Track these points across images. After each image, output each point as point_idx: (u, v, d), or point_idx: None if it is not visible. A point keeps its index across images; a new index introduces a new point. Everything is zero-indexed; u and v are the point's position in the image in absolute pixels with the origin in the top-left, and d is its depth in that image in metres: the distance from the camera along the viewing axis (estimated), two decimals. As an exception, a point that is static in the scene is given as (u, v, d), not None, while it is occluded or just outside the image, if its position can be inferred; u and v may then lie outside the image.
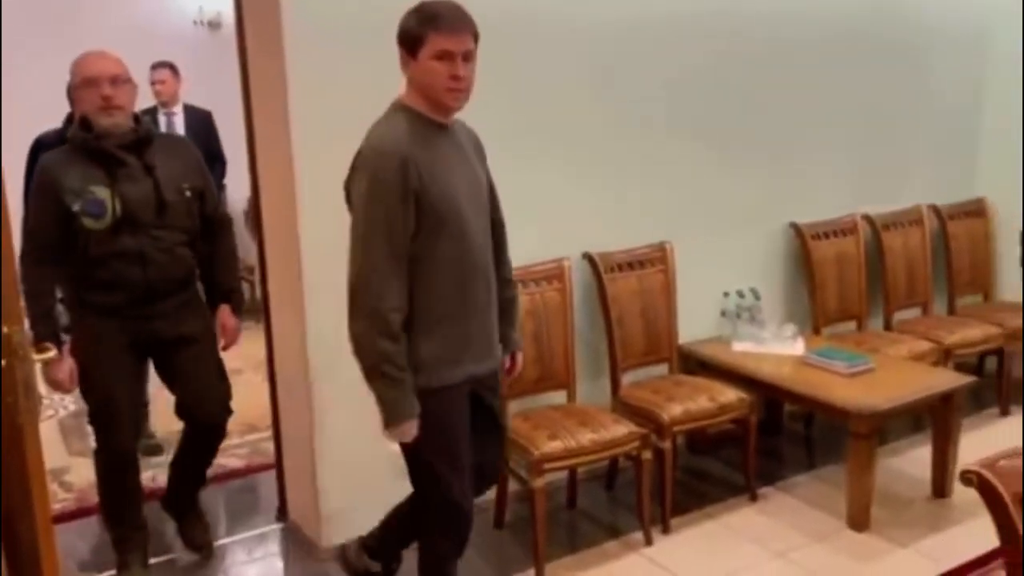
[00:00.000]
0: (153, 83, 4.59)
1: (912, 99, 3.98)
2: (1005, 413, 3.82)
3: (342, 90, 2.63)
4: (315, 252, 2.66)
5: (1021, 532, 1.23)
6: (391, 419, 2.03)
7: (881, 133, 3.91)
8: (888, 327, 3.87)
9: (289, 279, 2.74)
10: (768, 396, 3.31)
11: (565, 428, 2.77)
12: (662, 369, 3.32)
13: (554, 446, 2.69)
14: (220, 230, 2.72)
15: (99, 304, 2.49)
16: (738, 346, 3.36)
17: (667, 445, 2.91)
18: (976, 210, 4.21)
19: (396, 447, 2.12)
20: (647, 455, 2.83)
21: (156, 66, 4.66)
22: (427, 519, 2.25)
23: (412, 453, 2.14)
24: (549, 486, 2.72)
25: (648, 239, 3.30)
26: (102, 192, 2.40)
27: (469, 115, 2.97)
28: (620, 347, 3.17)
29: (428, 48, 1.96)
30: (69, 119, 3.30)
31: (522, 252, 2.98)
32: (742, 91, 3.46)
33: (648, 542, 2.87)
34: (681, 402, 2.97)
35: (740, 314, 3.44)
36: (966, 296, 4.17)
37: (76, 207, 2.39)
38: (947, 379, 3.14)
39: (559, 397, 3.07)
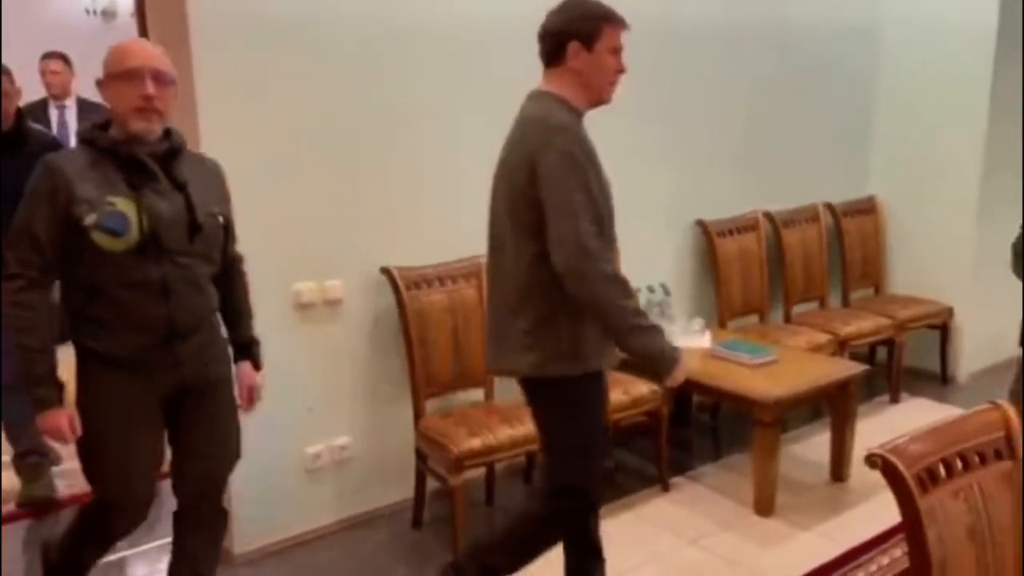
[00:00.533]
0: (44, 73, 4.36)
1: (810, 101, 4.17)
2: (895, 400, 4.06)
3: (253, 84, 2.56)
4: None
5: (920, 510, 1.31)
6: (670, 366, 2.10)
7: (781, 134, 4.08)
8: (788, 320, 4.05)
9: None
10: (678, 388, 3.40)
11: (484, 425, 2.77)
12: (577, 364, 3.37)
13: (474, 443, 2.69)
14: (236, 270, 2.27)
15: (104, 351, 1.99)
16: (650, 341, 3.44)
17: (583, 439, 2.96)
18: (867, 207, 4.46)
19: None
20: (564, 449, 2.86)
21: (47, 56, 4.42)
22: (553, 507, 2.21)
23: (570, 435, 2.14)
24: (468, 483, 2.73)
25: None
26: (124, 204, 1.93)
27: (362, 114, 2.91)
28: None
29: (604, 41, 2.03)
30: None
31: (442, 250, 2.99)
32: (653, 92, 3.55)
33: (566, 535, 2.91)
34: (596, 396, 3.03)
35: (651, 309, 3.52)
36: (859, 289, 4.41)
37: (89, 220, 1.90)
38: (843, 368, 3.31)
39: (477, 394, 3.08)
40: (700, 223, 3.82)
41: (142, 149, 1.97)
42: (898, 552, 2.78)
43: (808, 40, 4.08)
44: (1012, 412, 1.49)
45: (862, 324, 3.95)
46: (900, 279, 4.44)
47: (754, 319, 3.96)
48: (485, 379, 3.06)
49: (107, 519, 2.12)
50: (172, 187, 2.00)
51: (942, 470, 1.38)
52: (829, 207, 4.30)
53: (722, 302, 3.83)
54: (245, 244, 2.63)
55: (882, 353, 4.20)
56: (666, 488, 3.23)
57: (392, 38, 2.81)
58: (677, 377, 2.13)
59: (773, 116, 4.02)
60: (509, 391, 3.19)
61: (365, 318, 2.91)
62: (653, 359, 2.10)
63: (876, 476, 1.35)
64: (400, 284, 2.85)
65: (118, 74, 1.96)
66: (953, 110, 4.17)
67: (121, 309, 1.96)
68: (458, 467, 2.65)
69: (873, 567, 2.75)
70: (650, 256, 3.68)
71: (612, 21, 2.05)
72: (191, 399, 2.11)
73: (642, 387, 3.10)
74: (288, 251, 2.69)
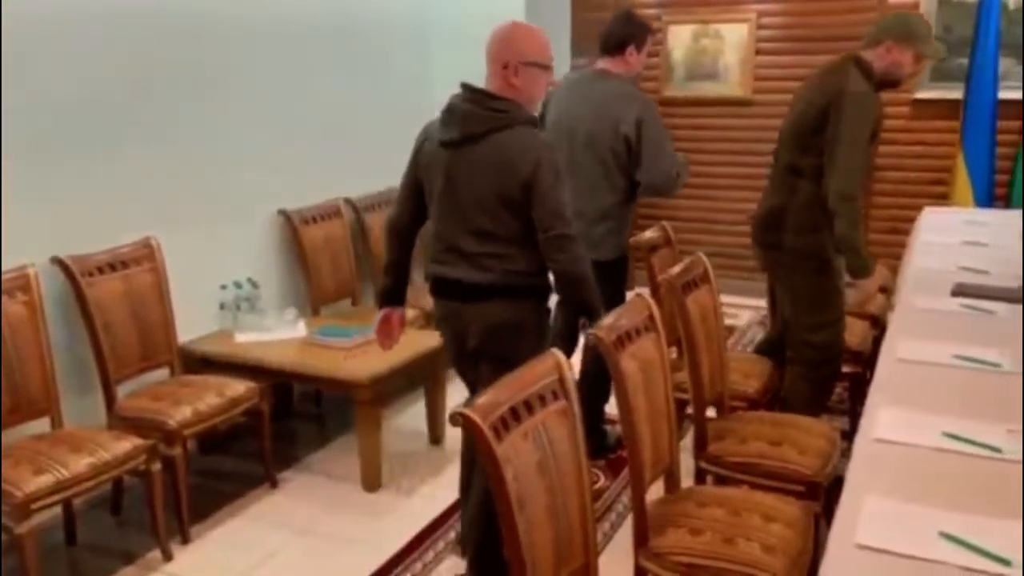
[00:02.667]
0: None
1: (373, 94, 4.32)
2: (478, 361, 4.47)
3: None
4: None
5: (498, 456, 1.46)
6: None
7: (352, 125, 4.18)
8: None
9: None
10: (278, 381, 3.35)
11: (53, 458, 2.42)
12: (163, 373, 3.12)
13: (42, 481, 2.34)
14: None
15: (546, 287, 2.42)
16: (242, 337, 3.32)
17: (178, 451, 2.75)
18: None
19: None
20: (156, 467, 2.64)
21: None
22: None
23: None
24: (40, 527, 2.37)
25: (130, 236, 3.05)
26: None
27: None
28: (111, 357, 2.88)
29: (647, 44, 3.11)
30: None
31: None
32: (223, 83, 3.39)
33: (168, 558, 2.69)
34: (189, 403, 2.83)
35: (240, 305, 3.40)
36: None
37: None
38: (432, 339, 3.52)
39: (41, 425, 2.67)
40: (283, 212, 3.76)
41: None
42: (492, 497, 3.08)
43: (369, 41, 4.23)
44: (562, 358, 1.73)
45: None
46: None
47: (347, 303, 4.04)
48: (49, 407, 2.67)
49: None
50: None
51: (512, 417, 1.55)
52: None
53: (313, 290, 3.83)
54: None
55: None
56: (274, 484, 3.16)
57: None
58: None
59: (345, 106, 4.10)
60: (82, 415, 2.84)
61: None
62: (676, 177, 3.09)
63: (463, 432, 1.47)
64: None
65: (545, 64, 2.24)
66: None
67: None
68: (24, 512, 2.28)
69: (473, 516, 3.01)
70: (233, 250, 3.54)
71: (652, 31, 3.16)
72: None
73: (238, 386, 2.98)
74: None
